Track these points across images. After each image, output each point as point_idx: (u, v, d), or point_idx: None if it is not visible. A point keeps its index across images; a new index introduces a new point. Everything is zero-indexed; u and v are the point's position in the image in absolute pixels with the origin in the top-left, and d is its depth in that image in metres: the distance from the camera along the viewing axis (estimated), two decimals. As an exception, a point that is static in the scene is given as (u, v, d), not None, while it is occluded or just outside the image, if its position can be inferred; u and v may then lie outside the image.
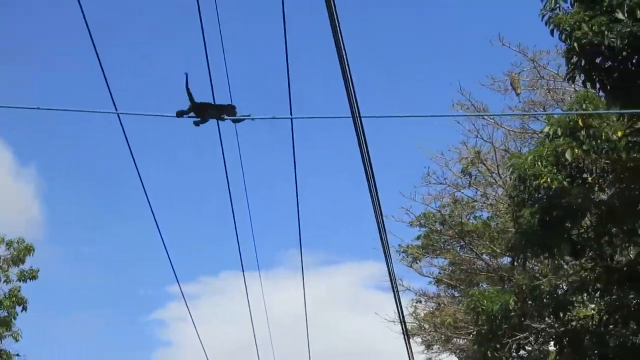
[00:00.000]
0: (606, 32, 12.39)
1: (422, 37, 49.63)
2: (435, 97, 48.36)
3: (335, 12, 6.46)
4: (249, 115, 8.33)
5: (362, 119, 7.72)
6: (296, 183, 9.78)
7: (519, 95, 21.70)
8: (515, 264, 17.28)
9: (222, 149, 9.42)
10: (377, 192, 8.20)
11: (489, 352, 18.34)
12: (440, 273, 27.38)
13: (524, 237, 15.48)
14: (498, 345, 18.41)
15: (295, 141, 8.89)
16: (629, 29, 12.32)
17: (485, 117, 22.13)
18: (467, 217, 25.52)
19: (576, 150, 14.70)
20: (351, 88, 7.23)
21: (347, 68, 7.05)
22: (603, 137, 14.64)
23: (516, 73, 21.39)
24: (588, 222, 15.57)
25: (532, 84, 21.82)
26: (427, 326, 27.28)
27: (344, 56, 6.89)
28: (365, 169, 7.98)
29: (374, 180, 8.15)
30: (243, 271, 13.34)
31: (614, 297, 15.96)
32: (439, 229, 26.32)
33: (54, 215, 62.21)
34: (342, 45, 6.79)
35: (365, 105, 7.42)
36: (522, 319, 17.94)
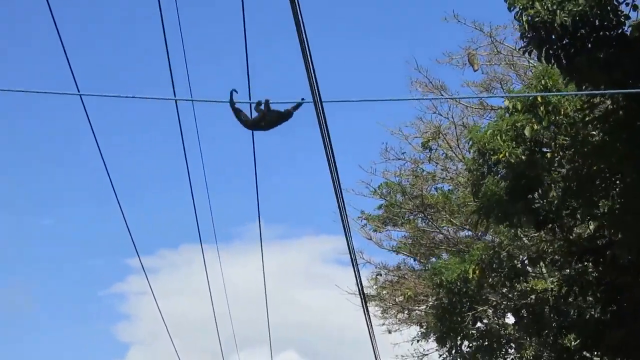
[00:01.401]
0: (558, 11, 12.44)
1: (376, 14, 49.42)
2: (392, 73, 48.35)
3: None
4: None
5: (322, 103, 7.75)
6: (254, 159, 9.83)
7: (477, 71, 21.73)
8: (478, 228, 17.12)
9: (180, 124, 9.45)
10: (335, 164, 8.23)
11: (449, 323, 18.53)
12: (399, 247, 27.40)
13: (488, 203, 15.48)
14: (458, 319, 18.59)
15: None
16: (579, 8, 12.36)
17: (443, 94, 22.12)
18: (428, 189, 25.57)
19: (535, 126, 14.83)
20: (311, 68, 7.25)
21: (306, 47, 7.05)
22: (562, 112, 14.78)
23: (473, 49, 21.38)
24: (553, 194, 15.69)
25: (490, 59, 21.84)
26: (384, 292, 27.25)
27: (304, 36, 6.89)
28: (324, 141, 7.99)
29: (332, 151, 8.17)
30: (201, 243, 13.45)
31: (573, 270, 16.14)
32: (399, 200, 26.32)
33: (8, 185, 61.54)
34: (302, 26, 6.78)
35: (323, 80, 7.42)
36: (481, 288, 18.07)
